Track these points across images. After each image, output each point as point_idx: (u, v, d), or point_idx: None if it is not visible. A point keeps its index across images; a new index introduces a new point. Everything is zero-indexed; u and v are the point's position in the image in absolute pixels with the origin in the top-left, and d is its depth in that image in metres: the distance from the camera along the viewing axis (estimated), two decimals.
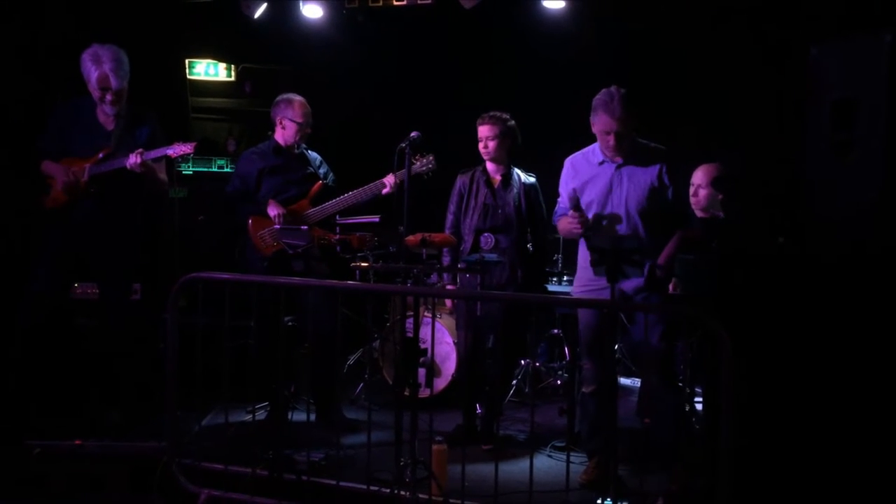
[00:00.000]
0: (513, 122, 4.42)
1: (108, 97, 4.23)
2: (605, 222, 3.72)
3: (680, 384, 3.87)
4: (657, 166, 3.71)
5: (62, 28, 5.28)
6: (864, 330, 2.94)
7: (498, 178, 4.46)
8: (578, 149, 3.94)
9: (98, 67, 4.18)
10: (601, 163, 3.78)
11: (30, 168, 4.42)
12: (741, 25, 5.49)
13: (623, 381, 5.80)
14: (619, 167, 3.74)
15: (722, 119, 5.50)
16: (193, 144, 4.24)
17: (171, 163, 4.57)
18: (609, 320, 3.60)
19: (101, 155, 4.25)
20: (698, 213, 4.50)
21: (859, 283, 2.97)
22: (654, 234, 3.69)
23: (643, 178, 3.70)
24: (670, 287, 4.25)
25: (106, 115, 4.33)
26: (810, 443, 3.02)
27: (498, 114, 4.39)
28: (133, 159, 4.14)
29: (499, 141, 4.37)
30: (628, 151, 3.73)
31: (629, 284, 3.66)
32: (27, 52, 5.18)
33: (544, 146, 5.38)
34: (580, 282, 3.89)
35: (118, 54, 4.25)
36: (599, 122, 3.66)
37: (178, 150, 4.21)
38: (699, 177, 4.53)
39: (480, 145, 4.40)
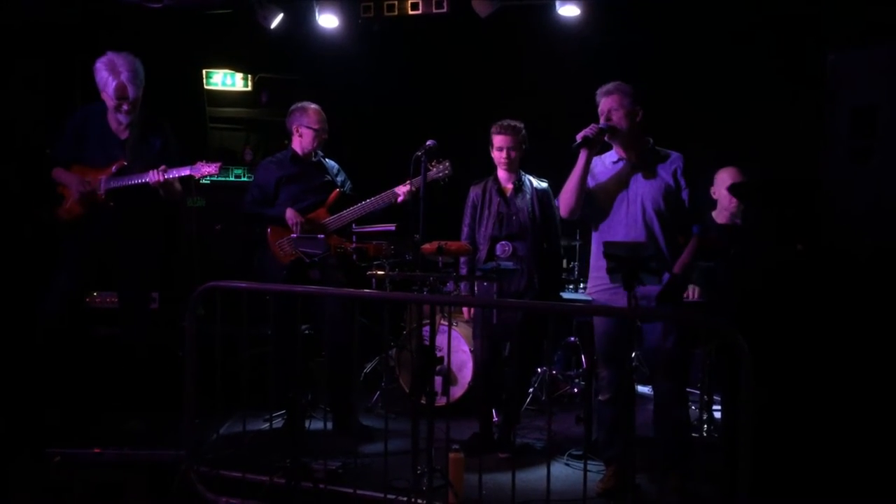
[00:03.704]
0: (524, 129, 4.44)
1: (125, 107, 4.25)
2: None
3: (690, 390, 3.84)
4: (672, 167, 3.73)
5: (79, 38, 5.34)
6: (884, 335, 2.92)
7: (510, 186, 4.47)
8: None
9: (115, 77, 4.19)
10: (616, 162, 3.82)
11: (42, 175, 4.44)
12: (759, 33, 5.47)
13: (640, 389, 5.77)
14: (634, 166, 3.76)
15: (740, 127, 5.48)
16: (218, 165, 4.26)
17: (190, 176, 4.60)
18: (626, 327, 3.59)
19: (115, 168, 4.26)
20: (718, 220, 4.49)
21: (879, 289, 2.95)
22: (670, 235, 3.69)
23: (659, 175, 3.72)
24: (692, 294, 4.23)
25: (119, 122, 4.34)
26: (830, 448, 3.00)
27: (514, 123, 4.40)
28: (155, 177, 4.16)
29: (518, 151, 4.39)
30: (641, 151, 3.77)
31: (643, 290, 3.64)
32: (43, 62, 5.24)
33: (559, 153, 5.38)
34: (594, 282, 3.88)
35: (134, 63, 4.26)
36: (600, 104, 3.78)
37: (201, 170, 4.22)
38: (719, 182, 4.51)
39: (500, 154, 4.40)
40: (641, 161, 3.76)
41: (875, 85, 2.98)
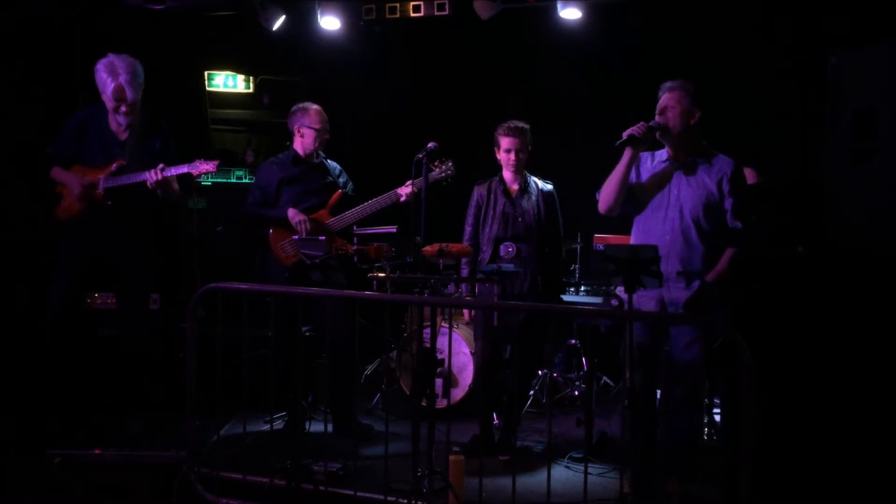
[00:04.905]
0: (529, 129, 4.44)
1: (123, 108, 4.26)
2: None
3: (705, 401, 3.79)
4: (720, 174, 3.60)
5: (81, 39, 5.35)
6: (885, 336, 2.92)
7: (515, 187, 4.46)
8: (592, 157, 3.92)
9: (114, 79, 4.20)
10: (664, 161, 3.72)
11: (40, 174, 4.45)
12: (760, 34, 5.47)
13: None
14: (680, 168, 3.65)
15: (742, 129, 5.48)
16: (215, 163, 4.26)
17: (188, 174, 4.60)
18: (655, 334, 3.54)
19: (114, 167, 4.27)
20: None
21: (881, 290, 2.95)
22: (708, 244, 3.58)
23: (703, 182, 3.60)
24: None
25: (119, 124, 4.36)
26: (830, 450, 3.00)
27: (520, 124, 4.39)
28: (153, 176, 4.16)
29: (525, 152, 4.39)
30: (692, 154, 3.66)
31: (671, 297, 3.62)
32: (44, 62, 5.25)
33: (561, 154, 5.39)
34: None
35: (134, 66, 4.26)
36: (660, 100, 3.68)
37: (199, 168, 4.22)
38: None
39: (508, 156, 4.39)
40: (690, 164, 3.64)
41: (877, 86, 2.97)
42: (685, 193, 3.62)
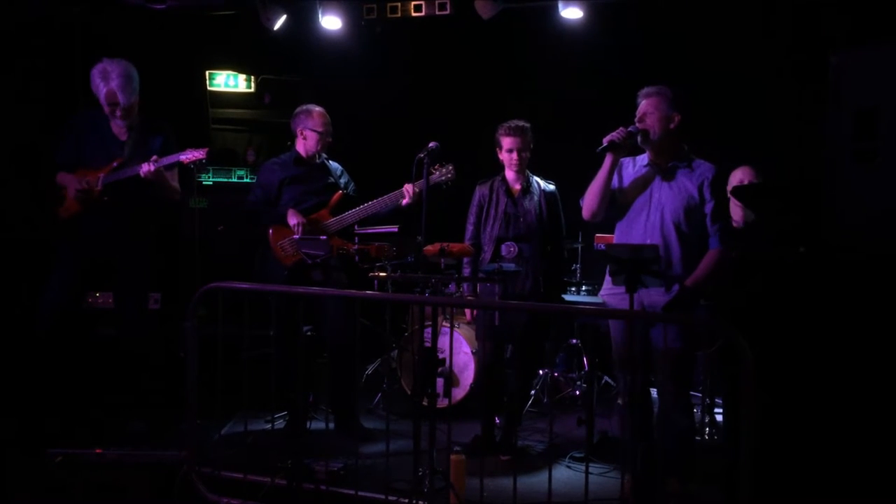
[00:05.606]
0: (530, 128, 4.43)
1: (118, 112, 4.28)
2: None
3: (693, 393, 3.78)
4: (700, 178, 3.61)
5: (82, 39, 5.36)
6: (886, 337, 2.92)
7: (518, 186, 4.46)
8: (593, 158, 3.92)
9: (106, 84, 4.22)
10: (645, 165, 3.73)
11: (45, 179, 4.47)
12: (762, 34, 5.47)
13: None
14: (661, 173, 3.66)
15: (743, 129, 5.48)
16: (205, 150, 4.28)
17: (190, 173, 4.61)
18: (636, 331, 3.55)
19: (114, 164, 4.29)
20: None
21: (881, 291, 2.95)
22: (688, 248, 3.59)
23: (684, 186, 3.61)
24: None
25: (119, 126, 4.38)
26: (830, 450, 3.00)
27: (522, 123, 4.39)
28: (146, 167, 4.18)
29: (527, 151, 4.38)
30: (672, 158, 3.67)
31: (649, 299, 3.62)
32: (45, 63, 5.25)
33: (561, 154, 5.38)
34: (606, 284, 3.80)
35: (127, 70, 4.27)
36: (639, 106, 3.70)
37: (189, 156, 4.25)
38: (733, 181, 4.48)
39: (510, 156, 4.39)
40: (671, 168, 3.65)
41: (877, 86, 2.97)
42: (666, 197, 3.63)
